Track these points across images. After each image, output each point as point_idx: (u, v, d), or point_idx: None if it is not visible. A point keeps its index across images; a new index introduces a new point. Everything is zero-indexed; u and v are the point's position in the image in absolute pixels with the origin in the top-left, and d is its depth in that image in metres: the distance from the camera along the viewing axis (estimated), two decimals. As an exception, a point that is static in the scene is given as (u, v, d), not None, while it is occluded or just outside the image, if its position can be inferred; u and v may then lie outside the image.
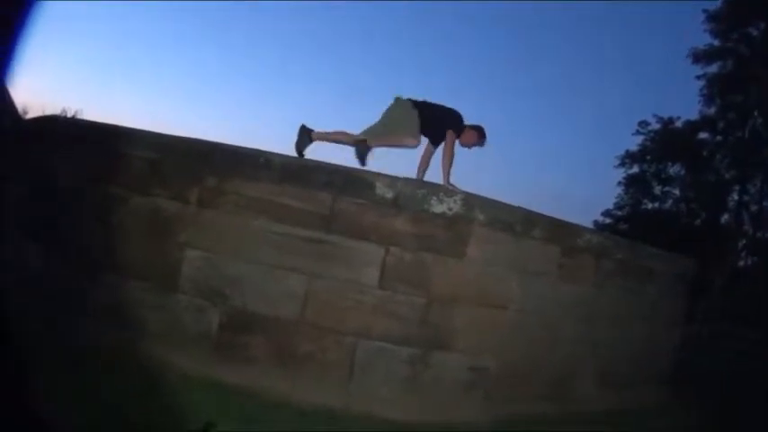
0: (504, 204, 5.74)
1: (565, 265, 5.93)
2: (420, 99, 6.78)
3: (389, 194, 5.13)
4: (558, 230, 5.95)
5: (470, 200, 5.37)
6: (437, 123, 6.64)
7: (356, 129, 6.68)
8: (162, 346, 4.97)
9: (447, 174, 6.43)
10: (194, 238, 5.35)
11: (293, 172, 5.31)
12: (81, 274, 5.39)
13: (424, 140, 6.86)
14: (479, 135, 6.84)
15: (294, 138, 6.51)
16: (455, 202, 5.20)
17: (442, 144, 6.66)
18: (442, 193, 5.24)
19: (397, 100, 6.80)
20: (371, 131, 6.71)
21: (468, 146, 6.81)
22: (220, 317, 5.21)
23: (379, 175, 5.32)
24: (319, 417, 4.68)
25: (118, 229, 5.48)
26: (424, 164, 7.04)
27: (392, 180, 5.27)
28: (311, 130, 6.59)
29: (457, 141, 6.63)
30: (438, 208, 5.16)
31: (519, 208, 5.84)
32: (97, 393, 4.01)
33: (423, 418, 4.95)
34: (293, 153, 6.30)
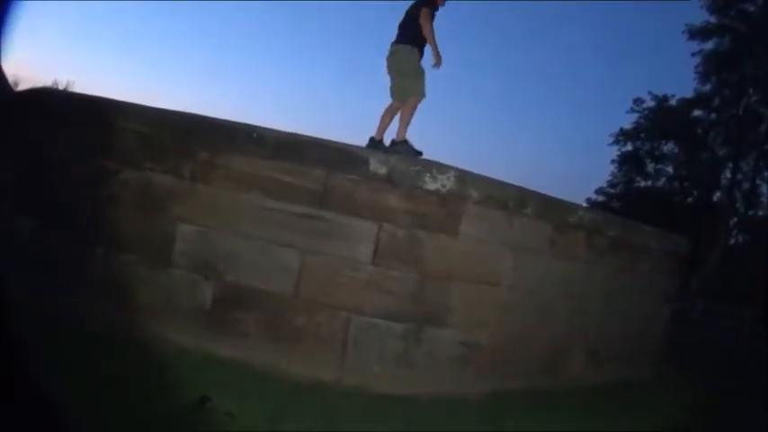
0: (497, 182, 5.76)
1: (557, 242, 5.97)
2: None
3: (383, 171, 5.13)
4: (550, 208, 5.99)
5: (464, 177, 5.38)
6: (416, 22, 6.87)
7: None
8: (156, 321, 5.01)
9: (435, 46, 6.84)
10: (187, 212, 5.36)
11: (286, 147, 5.30)
12: (73, 248, 5.40)
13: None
14: None
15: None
16: (448, 179, 5.20)
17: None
18: (435, 170, 5.24)
19: (400, 49, 6.97)
20: (400, 93, 6.97)
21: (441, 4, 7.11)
22: (214, 291, 5.23)
23: (372, 151, 5.32)
24: (313, 390, 4.71)
25: (111, 203, 5.48)
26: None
27: (386, 156, 5.29)
28: (396, 141, 6.84)
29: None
30: (431, 185, 5.16)
31: (512, 185, 5.85)
32: (91, 367, 4.03)
33: (415, 392, 5.00)
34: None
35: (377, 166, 5.13)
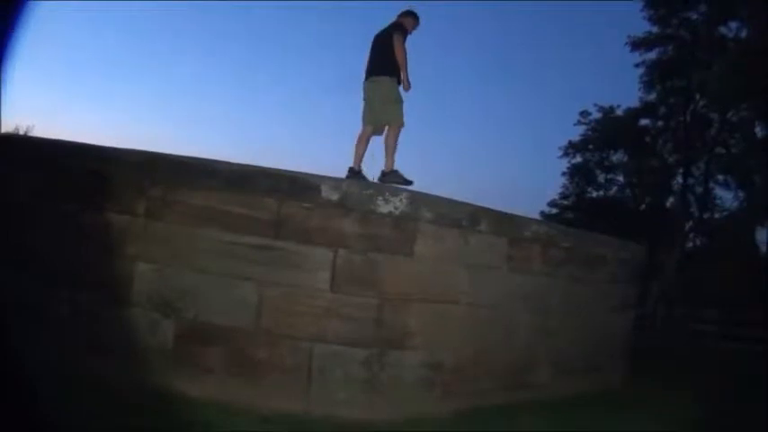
0: (450, 201, 5.80)
1: (513, 257, 6.01)
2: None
3: (335, 196, 5.14)
4: (503, 223, 6.03)
5: (416, 198, 5.43)
6: (392, 52, 7.09)
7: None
8: (118, 361, 4.93)
9: (406, 73, 7.07)
10: (144, 250, 5.31)
11: (238, 179, 5.29)
12: (34, 290, 5.32)
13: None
14: (413, 17, 7.47)
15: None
16: (401, 201, 5.24)
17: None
18: (387, 193, 5.28)
19: (382, 81, 7.16)
20: (383, 119, 7.19)
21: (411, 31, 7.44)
22: (175, 329, 5.18)
23: (323, 177, 5.33)
24: (282, 422, 4.69)
25: (70, 245, 5.41)
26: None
27: (337, 182, 5.31)
28: (386, 172, 7.03)
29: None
30: (384, 208, 5.19)
31: (464, 203, 5.90)
32: (52, 410, 3.95)
33: (383, 417, 4.99)
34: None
35: (329, 192, 5.14)
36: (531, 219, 6.67)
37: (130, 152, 5.78)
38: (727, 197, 30.28)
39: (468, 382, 5.69)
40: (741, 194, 28.76)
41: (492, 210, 6.07)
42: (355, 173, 7.13)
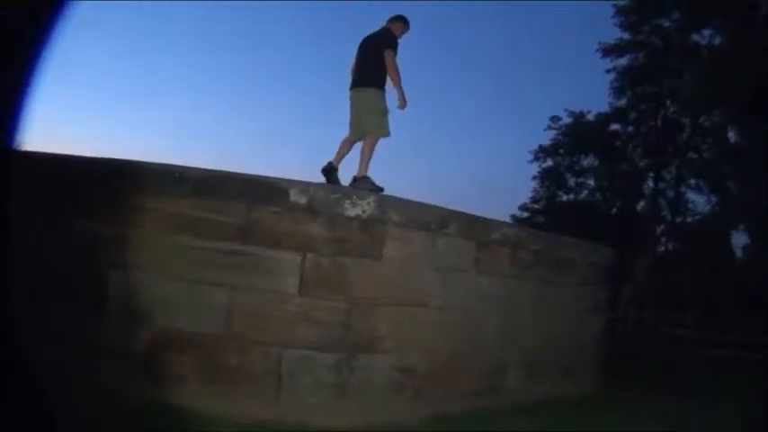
0: (418, 204, 5.83)
1: (482, 260, 6.04)
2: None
3: (303, 200, 5.13)
4: (472, 226, 6.07)
5: (383, 201, 5.44)
6: (381, 63, 7.09)
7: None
8: (92, 368, 4.90)
9: (401, 89, 7.06)
10: (118, 258, 5.29)
11: (208, 185, 5.27)
12: (10, 302, 5.25)
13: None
14: (402, 22, 7.45)
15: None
16: (368, 204, 5.24)
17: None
18: (355, 196, 5.29)
19: (369, 92, 7.19)
20: (366, 128, 7.21)
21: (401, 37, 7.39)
22: (147, 337, 5.15)
23: (291, 181, 5.33)
24: (253, 429, 4.67)
25: (42, 253, 5.36)
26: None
27: (305, 186, 5.30)
28: (358, 177, 7.04)
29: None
30: (352, 211, 5.19)
31: (432, 206, 5.93)
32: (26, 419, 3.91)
33: (354, 423, 4.96)
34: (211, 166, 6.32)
35: (297, 196, 5.14)
36: (499, 222, 6.71)
37: (101, 161, 5.73)
38: (699, 201, 30.72)
39: (439, 386, 5.69)
40: (713, 199, 29.15)
41: (460, 213, 6.10)
42: (332, 168, 7.20)
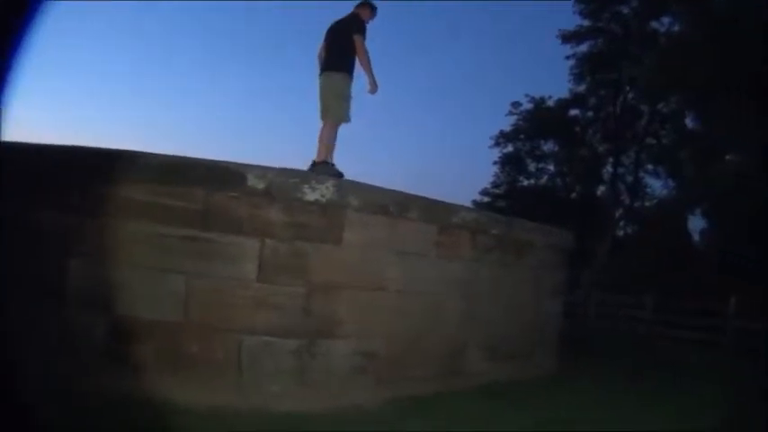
0: (377, 188, 5.82)
1: (442, 244, 6.07)
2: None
3: (261, 185, 5.09)
4: (432, 210, 6.08)
5: (343, 186, 5.43)
6: (349, 48, 7.04)
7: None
8: (52, 358, 4.77)
9: (372, 74, 7.02)
10: (77, 246, 5.23)
11: (165, 171, 5.21)
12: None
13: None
14: (370, 8, 7.40)
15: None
16: (327, 188, 5.22)
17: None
18: (313, 181, 5.25)
19: (336, 77, 7.11)
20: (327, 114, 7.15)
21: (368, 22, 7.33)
22: (107, 325, 5.09)
23: (249, 166, 5.28)
24: (212, 417, 4.60)
25: (5, 244, 5.26)
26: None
27: (263, 170, 5.24)
28: (317, 162, 6.95)
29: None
30: (311, 195, 5.16)
31: (392, 191, 5.92)
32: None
33: (315, 408, 4.95)
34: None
35: (255, 180, 5.09)
36: (459, 206, 6.72)
37: (57, 147, 5.65)
38: (656, 186, 31.13)
39: (401, 369, 5.72)
40: (671, 183, 29.54)
41: (420, 197, 6.12)
42: (316, 164, 7.08)
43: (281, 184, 5.16)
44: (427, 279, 5.97)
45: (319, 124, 7.25)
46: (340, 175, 6.67)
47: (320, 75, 7.27)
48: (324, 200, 5.20)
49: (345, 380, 5.39)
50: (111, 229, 5.20)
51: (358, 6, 7.40)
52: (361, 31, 7.09)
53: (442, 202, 6.45)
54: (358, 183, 5.66)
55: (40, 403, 4.13)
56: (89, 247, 5.22)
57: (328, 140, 7.07)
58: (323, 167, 6.76)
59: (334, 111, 7.08)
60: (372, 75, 7.05)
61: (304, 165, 6.74)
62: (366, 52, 7.04)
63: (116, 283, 5.13)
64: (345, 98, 7.12)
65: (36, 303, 5.13)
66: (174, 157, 5.48)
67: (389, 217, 5.61)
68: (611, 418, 5.65)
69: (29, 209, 5.26)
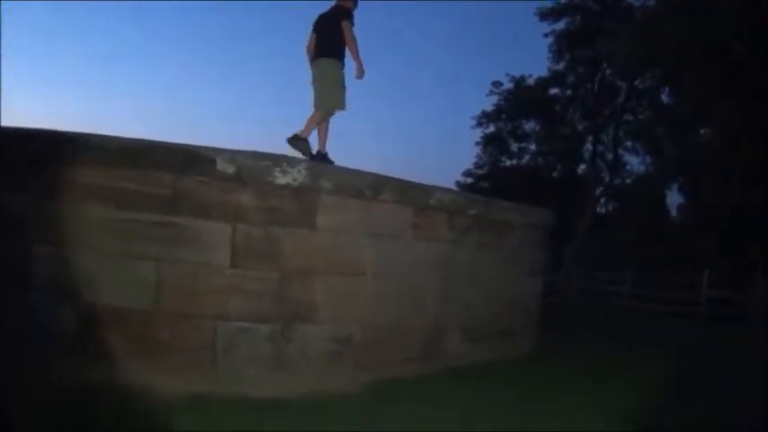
0: (351, 170, 5.75)
1: (419, 225, 5.99)
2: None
3: (231, 169, 4.99)
4: (407, 192, 6.00)
5: (315, 168, 5.36)
6: (339, 35, 7.06)
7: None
8: (21, 347, 4.76)
9: (359, 59, 7.04)
10: (41, 232, 5.13)
11: (130, 154, 5.10)
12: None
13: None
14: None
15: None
16: (299, 172, 5.13)
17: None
18: (285, 164, 5.15)
19: (328, 63, 7.12)
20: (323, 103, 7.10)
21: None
22: (76, 313, 5.01)
23: (218, 150, 5.17)
24: (187, 404, 4.55)
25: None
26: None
27: (233, 154, 5.14)
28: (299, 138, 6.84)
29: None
30: (282, 179, 5.07)
31: (366, 173, 5.84)
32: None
33: (292, 393, 4.90)
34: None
35: (224, 165, 4.99)
36: (435, 187, 6.62)
37: (22, 131, 5.50)
38: (635, 162, 31.33)
39: (378, 353, 5.67)
40: (648, 160, 29.71)
41: (395, 179, 6.05)
42: (322, 156, 7.09)
43: (251, 167, 5.06)
44: (403, 262, 5.90)
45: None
46: (312, 155, 6.68)
47: (311, 64, 7.29)
48: (296, 183, 5.11)
49: (321, 364, 5.33)
50: (78, 215, 5.10)
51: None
52: (350, 18, 7.15)
53: (418, 183, 6.38)
54: (331, 165, 5.57)
55: (9, 393, 4.08)
56: (55, 234, 5.10)
57: (316, 123, 7.05)
58: (300, 143, 6.73)
59: (329, 98, 7.08)
60: (360, 60, 7.06)
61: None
62: (355, 39, 7.08)
63: (84, 269, 5.04)
64: (340, 84, 7.14)
65: (7, 290, 5.09)
66: (141, 140, 5.37)
67: (363, 200, 5.53)
68: (577, 395, 5.68)
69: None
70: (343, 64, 7.16)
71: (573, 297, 17.93)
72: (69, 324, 5.00)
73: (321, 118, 7.07)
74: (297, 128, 6.68)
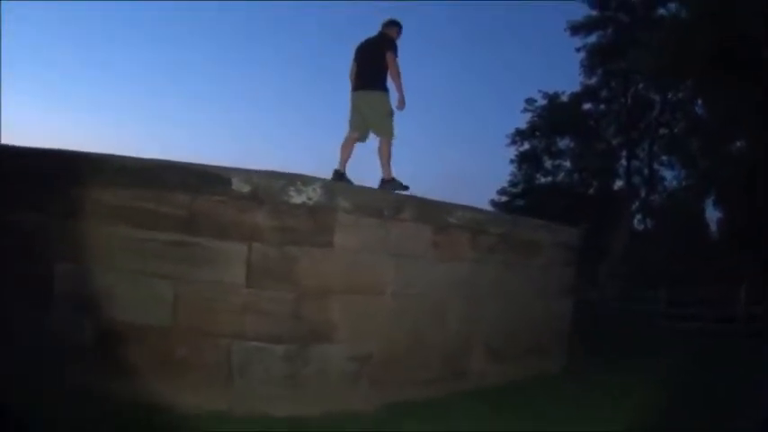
0: (369, 189, 5.75)
1: (439, 244, 5.92)
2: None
3: (246, 189, 4.97)
4: (427, 210, 5.94)
5: (331, 187, 5.32)
6: (383, 66, 7.39)
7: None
8: (42, 363, 4.81)
9: (402, 91, 7.39)
10: (62, 251, 5.20)
11: (147, 175, 5.14)
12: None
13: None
14: (398, 27, 7.82)
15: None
16: (314, 190, 5.07)
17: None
18: (300, 183, 5.10)
19: (377, 96, 7.49)
20: (379, 132, 7.56)
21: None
22: (95, 329, 5.06)
23: (234, 170, 5.17)
24: (205, 420, 4.59)
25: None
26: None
27: (248, 174, 5.12)
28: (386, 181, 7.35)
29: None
30: (297, 198, 5.02)
31: (385, 192, 5.80)
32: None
33: (309, 412, 4.88)
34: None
35: (240, 184, 4.97)
36: (456, 205, 6.54)
37: (42, 151, 5.59)
38: (670, 177, 30.99)
39: (398, 373, 5.59)
40: (683, 173, 29.38)
41: (415, 197, 6.06)
42: (340, 175, 7.38)
43: (266, 187, 5.03)
44: (424, 281, 5.83)
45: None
46: (406, 188, 7.14)
47: (354, 91, 7.58)
48: (311, 202, 5.06)
49: (338, 384, 5.26)
50: (97, 234, 5.16)
51: (386, 26, 7.80)
52: (393, 49, 7.41)
53: (438, 201, 6.31)
54: (348, 184, 5.55)
55: (29, 407, 4.10)
56: (75, 252, 5.17)
57: (389, 157, 7.42)
58: (392, 184, 7.15)
59: (387, 129, 7.43)
60: (402, 93, 7.36)
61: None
62: (399, 71, 7.35)
63: (104, 287, 5.09)
64: (391, 115, 7.45)
65: (23, 307, 5.16)
66: (158, 161, 5.41)
67: (383, 219, 5.48)
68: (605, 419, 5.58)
69: (12, 211, 5.30)
70: (387, 92, 7.43)
71: (606, 315, 17.65)
72: (89, 339, 5.05)
73: (388, 150, 7.43)
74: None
